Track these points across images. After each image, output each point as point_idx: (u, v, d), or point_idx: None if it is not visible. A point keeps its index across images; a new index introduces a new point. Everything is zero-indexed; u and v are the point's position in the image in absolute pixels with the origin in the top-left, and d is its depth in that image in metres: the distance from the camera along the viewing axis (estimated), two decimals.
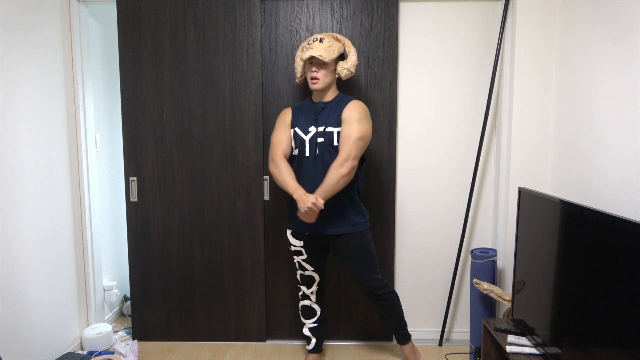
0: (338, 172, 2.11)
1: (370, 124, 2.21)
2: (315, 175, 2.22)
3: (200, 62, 2.65)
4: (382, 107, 2.64)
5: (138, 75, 2.67)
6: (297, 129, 2.27)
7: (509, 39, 2.52)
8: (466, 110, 2.68)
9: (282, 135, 2.29)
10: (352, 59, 2.25)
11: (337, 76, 2.28)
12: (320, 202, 2.09)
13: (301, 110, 2.32)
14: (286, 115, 2.33)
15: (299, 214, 2.20)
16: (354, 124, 2.14)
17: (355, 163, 2.14)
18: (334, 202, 2.23)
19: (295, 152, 2.29)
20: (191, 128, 2.69)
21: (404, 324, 2.46)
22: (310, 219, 2.20)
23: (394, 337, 2.81)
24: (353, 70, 2.24)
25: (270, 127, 2.69)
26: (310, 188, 2.23)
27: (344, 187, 2.19)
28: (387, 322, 2.44)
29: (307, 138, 2.24)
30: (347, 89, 2.64)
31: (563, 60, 2.31)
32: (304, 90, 2.65)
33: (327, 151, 2.21)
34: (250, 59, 2.63)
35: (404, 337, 2.48)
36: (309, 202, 2.09)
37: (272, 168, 2.28)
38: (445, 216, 2.75)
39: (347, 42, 2.28)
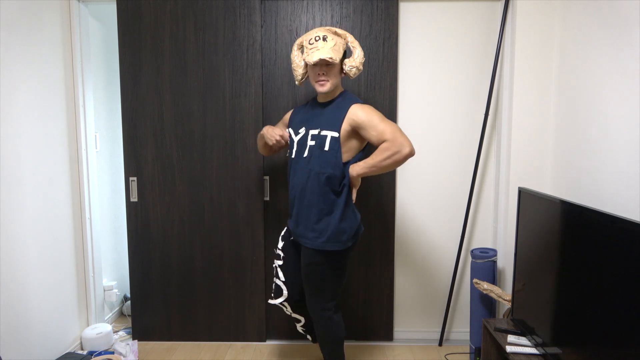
0: (399, 154, 1.85)
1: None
2: (300, 179, 2.06)
3: (200, 62, 2.65)
4: (382, 107, 2.64)
5: (138, 75, 2.67)
6: (290, 130, 2.18)
7: (508, 39, 2.52)
8: (466, 110, 2.68)
9: (278, 125, 2.36)
10: (359, 54, 2.04)
11: (343, 75, 2.09)
12: (286, 135, 2.14)
13: (302, 109, 2.21)
14: (287, 115, 2.30)
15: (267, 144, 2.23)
16: (377, 122, 1.93)
17: (411, 147, 1.88)
18: (310, 209, 2.03)
19: (288, 153, 2.20)
20: (191, 128, 2.69)
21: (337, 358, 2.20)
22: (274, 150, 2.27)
23: (393, 337, 2.81)
24: (361, 67, 2.05)
25: None
26: (295, 193, 2.09)
27: (329, 195, 2.01)
28: (322, 350, 2.20)
29: (296, 139, 2.12)
30: (347, 89, 2.64)
31: (563, 60, 2.31)
32: (306, 89, 2.65)
33: (317, 156, 2.01)
34: (250, 59, 2.63)
35: None
36: (276, 135, 2.12)
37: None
38: (445, 216, 2.75)
39: (350, 37, 2.08)
